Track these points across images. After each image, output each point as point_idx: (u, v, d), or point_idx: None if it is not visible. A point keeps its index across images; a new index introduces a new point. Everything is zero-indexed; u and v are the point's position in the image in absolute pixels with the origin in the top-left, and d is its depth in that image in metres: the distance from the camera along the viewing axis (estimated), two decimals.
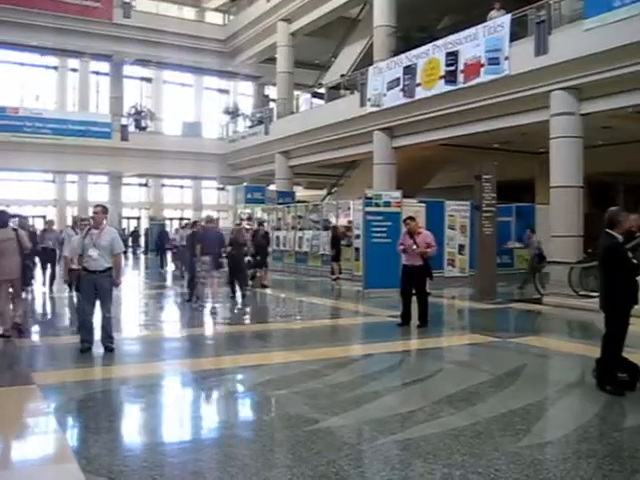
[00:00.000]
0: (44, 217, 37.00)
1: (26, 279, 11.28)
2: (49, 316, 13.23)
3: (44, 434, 5.76)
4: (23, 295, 11.89)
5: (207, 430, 5.91)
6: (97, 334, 8.99)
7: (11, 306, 10.40)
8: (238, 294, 15.63)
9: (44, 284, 16.81)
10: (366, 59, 26.80)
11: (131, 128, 35.57)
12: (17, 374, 7.74)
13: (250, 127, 35.76)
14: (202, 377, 7.73)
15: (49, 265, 16.81)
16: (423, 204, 18.57)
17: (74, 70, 39.13)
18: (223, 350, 9.70)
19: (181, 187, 45.77)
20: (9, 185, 39.62)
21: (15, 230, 10.28)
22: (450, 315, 14.22)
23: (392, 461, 4.86)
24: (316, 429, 5.52)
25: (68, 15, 31.94)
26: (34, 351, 9.55)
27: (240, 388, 7.40)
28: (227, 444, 5.31)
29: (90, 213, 9.64)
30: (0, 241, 9.74)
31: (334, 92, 27.65)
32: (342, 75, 28.69)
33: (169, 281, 21.64)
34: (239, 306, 14.87)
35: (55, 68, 39.71)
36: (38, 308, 13.90)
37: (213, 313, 13.39)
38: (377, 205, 16.37)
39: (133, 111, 37.16)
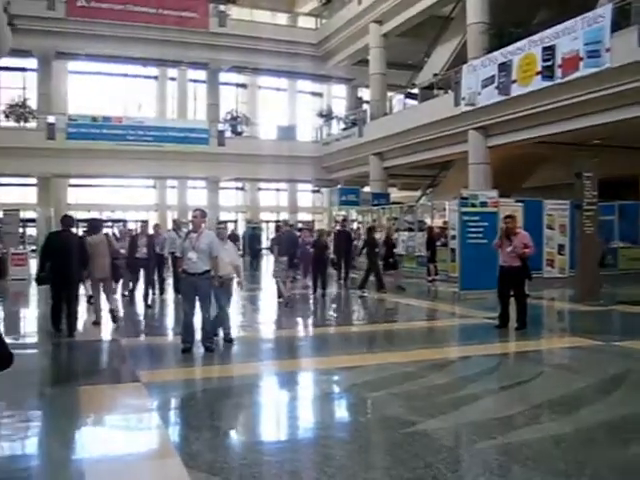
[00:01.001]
0: (146, 222, 38.24)
1: (116, 277, 12.85)
2: (155, 317, 13.69)
3: (148, 430, 6.01)
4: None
5: (304, 430, 5.97)
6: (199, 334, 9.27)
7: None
8: (319, 292, 16.28)
9: (154, 289, 16.29)
10: (459, 57, 26.46)
11: (228, 133, 36.24)
12: (124, 372, 8.11)
13: (344, 129, 35.89)
14: (298, 378, 7.86)
15: (157, 270, 16.46)
16: (520, 203, 18.16)
17: (173, 79, 40.46)
18: (319, 351, 9.79)
19: (277, 190, 46.45)
20: (114, 191, 41.47)
21: (106, 235, 12.24)
22: (550, 317, 13.87)
23: (491, 465, 4.80)
24: (413, 431, 5.51)
25: (168, 26, 32.96)
26: (139, 350, 9.92)
27: (336, 389, 7.45)
28: (323, 444, 5.37)
29: (189, 217, 9.96)
30: (94, 244, 11.37)
31: (427, 92, 27.41)
32: (435, 74, 28.42)
33: (263, 283, 21.96)
34: (335, 307, 14.97)
35: (155, 78, 41.24)
36: (144, 310, 14.35)
37: (305, 315, 13.54)
38: (473, 205, 16.13)
39: (229, 117, 37.91)
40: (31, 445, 5.61)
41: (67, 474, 4.79)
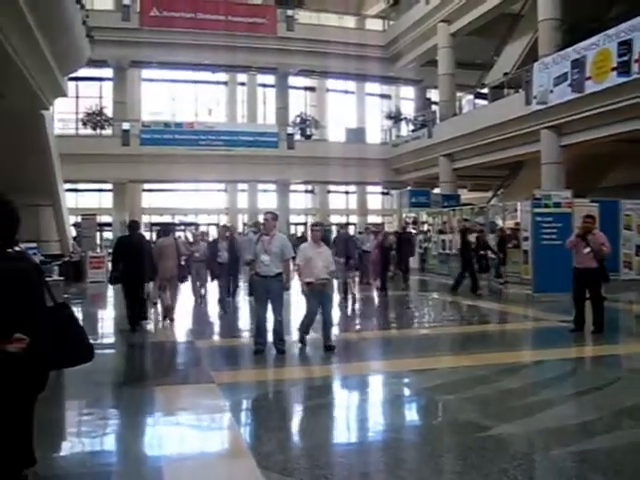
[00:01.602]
0: (226, 225, 38.95)
1: (182, 277, 13.40)
2: (229, 319, 13.91)
3: (222, 430, 6.14)
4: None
5: (375, 432, 5.95)
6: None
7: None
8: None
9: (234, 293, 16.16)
10: (530, 55, 25.98)
11: (297, 137, 36.57)
12: (199, 373, 8.26)
13: (413, 131, 35.71)
14: (369, 380, 7.86)
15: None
16: (596, 204, 17.70)
17: (242, 84, 41.01)
18: (390, 354, 9.77)
19: (346, 193, 46.52)
20: (186, 195, 42.35)
21: (175, 238, 13.46)
22: (628, 321, 13.46)
23: (568, 474, 4.70)
24: (486, 436, 5.45)
25: (237, 33, 33.46)
26: (213, 352, 10.08)
27: (408, 392, 7.43)
28: (395, 447, 5.37)
29: (260, 220, 10.14)
30: (163, 247, 12.45)
31: (498, 91, 27.02)
32: (505, 73, 27.96)
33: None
34: (402, 309, 14.91)
35: (225, 83, 41.91)
36: (220, 312, 14.55)
37: (372, 316, 13.49)
38: (546, 206, 15.82)
39: (298, 120, 38.19)
40: (110, 442, 5.81)
41: (145, 471, 4.93)
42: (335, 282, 14.88)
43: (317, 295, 9.38)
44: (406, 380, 7.79)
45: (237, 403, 6.83)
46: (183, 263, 13.70)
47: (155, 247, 12.78)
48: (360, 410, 6.78)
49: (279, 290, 9.13)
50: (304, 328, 9.68)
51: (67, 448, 5.69)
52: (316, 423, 6.29)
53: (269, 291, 9.06)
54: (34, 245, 9.70)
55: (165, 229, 13.78)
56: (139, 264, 11.25)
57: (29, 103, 15.65)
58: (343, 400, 7.21)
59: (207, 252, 14.99)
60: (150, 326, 12.61)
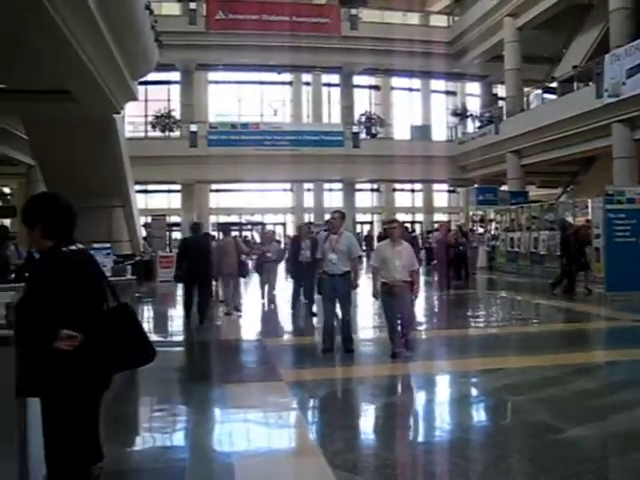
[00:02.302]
0: (307, 224, 39.35)
1: (242, 273, 14.15)
2: (297, 318, 14.03)
3: (292, 428, 6.19)
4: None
5: (443, 433, 5.90)
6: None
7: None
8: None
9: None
10: (601, 47, 25.37)
11: (362, 135, 36.55)
12: (267, 371, 8.36)
13: (479, 127, 35.27)
14: (437, 379, 7.81)
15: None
16: None
17: (307, 84, 41.19)
18: (458, 353, 9.66)
19: (412, 191, 46.24)
20: (252, 195, 42.86)
21: (234, 237, 14.52)
22: None
23: None
24: (559, 438, 5.34)
25: (301, 33, 33.66)
26: (282, 350, 10.19)
27: (476, 392, 7.34)
28: (464, 448, 5.32)
29: (326, 219, 10.13)
30: (223, 245, 13.71)
31: (567, 85, 26.43)
32: (575, 67, 27.33)
33: None
34: (471, 307, 14.75)
35: (290, 83, 42.18)
36: (290, 311, 14.65)
37: (438, 315, 13.37)
38: (619, 202, 15.38)
39: (363, 119, 38.15)
40: (182, 438, 5.93)
41: (216, 467, 5.01)
42: None
43: (392, 298, 8.63)
44: (474, 380, 7.70)
45: (305, 401, 6.89)
46: (243, 259, 14.31)
47: (216, 245, 14.04)
48: (428, 410, 6.75)
49: (347, 289, 9.10)
50: (390, 333, 8.82)
51: (141, 443, 5.85)
52: (384, 422, 6.30)
53: (337, 290, 9.06)
54: (108, 245, 10.00)
55: (224, 229, 15.53)
56: (201, 264, 12.02)
57: (101, 107, 16.03)
58: (411, 399, 7.17)
59: (288, 251, 14.86)
60: (219, 323, 12.86)
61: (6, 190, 37.27)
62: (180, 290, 17.26)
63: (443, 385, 7.78)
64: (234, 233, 20.98)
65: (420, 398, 7.21)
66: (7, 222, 23.27)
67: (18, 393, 3.41)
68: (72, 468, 3.43)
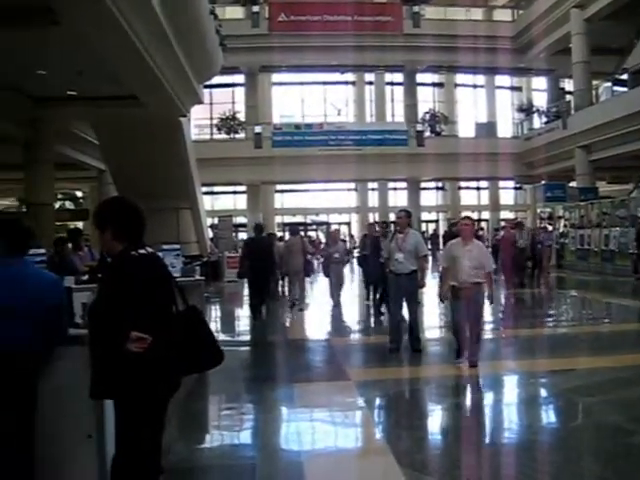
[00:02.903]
0: (386, 222, 39.41)
1: (307, 272, 15.13)
2: (364, 317, 14.05)
3: (360, 427, 6.26)
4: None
5: (512, 434, 5.82)
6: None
7: None
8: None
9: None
10: None
11: (426, 133, 36.30)
12: (335, 370, 8.42)
13: (546, 123, 34.57)
14: (506, 380, 7.71)
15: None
16: None
17: (370, 83, 41.13)
18: (526, 353, 9.54)
19: (477, 189, 45.67)
20: (317, 195, 43.06)
21: (301, 237, 15.46)
22: None
23: None
24: (631, 441, 5.22)
25: (364, 32, 33.62)
26: (349, 350, 10.23)
27: (546, 393, 7.23)
28: (534, 449, 5.26)
29: (392, 218, 10.08)
30: (291, 245, 14.64)
31: (638, 77, 25.66)
32: None
33: None
34: (543, 307, 14.50)
35: (353, 83, 42.22)
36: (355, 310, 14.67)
37: (505, 314, 13.15)
38: None
39: (427, 117, 37.87)
40: (251, 436, 6.04)
41: (286, 465, 5.09)
42: None
43: (462, 302, 7.89)
44: (543, 381, 7.58)
45: (373, 400, 6.92)
46: (309, 258, 15.24)
47: (284, 245, 15.22)
48: (497, 411, 6.68)
49: (414, 288, 9.07)
50: (455, 335, 8.31)
51: (211, 441, 5.97)
52: (452, 423, 6.27)
53: (403, 289, 9.05)
54: (177, 246, 10.23)
55: (292, 230, 16.01)
56: (264, 263, 12.96)
57: (168, 111, 16.38)
58: (479, 400, 7.11)
59: (368, 249, 14.37)
60: (286, 322, 13.01)
61: (78, 194, 38.49)
62: (246, 290, 17.61)
63: (512, 386, 7.67)
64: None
65: (488, 399, 7.14)
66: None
67: (92, 395, 3.50)
68: (140, 470, 3.48)
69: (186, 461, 5.03)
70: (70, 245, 10.26)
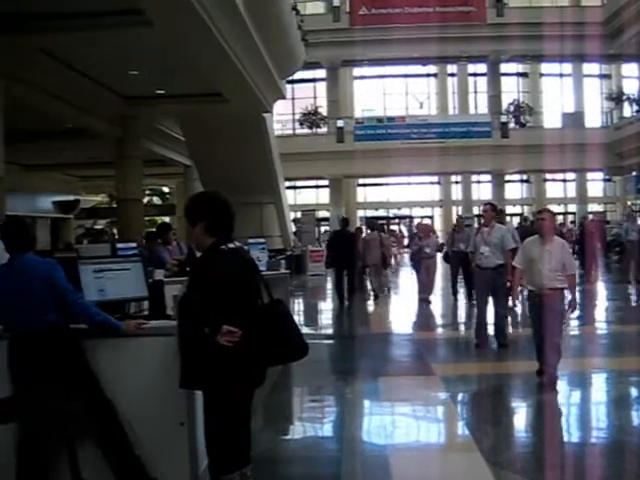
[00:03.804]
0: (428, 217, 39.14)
1: (385, 265, 16.04)
2: (449, 312, 13.98)
3: (446, 422, 6.25)
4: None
5: (601, 433, 5.68)
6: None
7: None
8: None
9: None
10: None
11: (510, 125, 35.59)
12: (419, 365, 8.41)
13: (637, 111, 33.32)
14: (592, 378, 7.53)
15: (461, 268, 13.89)
16: None
17: (452, 75, 40.61)
18: (614, 351, 9.24)
19: (564, 181, 44.44)
20: (399, 188, 42.89)
21: (379, 232, 16.12)
22: None
23: None
24: None
25: (446, 23, 33.20)
26: (433, 344, 10.18)
27: (636, 392, 7.03)
28: (625, 450, 5.09)
29: (476, 212, 9.95)
30: (370, 240, 15.57)
31: None
32: None
33: None
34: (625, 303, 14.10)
35: (435, 75, 41.78)
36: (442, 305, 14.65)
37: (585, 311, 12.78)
38: None
39: (512, 108, 37.11)
40: (336, 429, 6.09)
41: (371, 458, 5.09)
42: None
43: (540, 311, 6.89)
44: (633, 379, 7.37)
45: (459, 395, 6.89)
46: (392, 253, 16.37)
47: (363, 240, 15.86)
48: (584, 409, 6.54)
49: (500, 282, 8.80)
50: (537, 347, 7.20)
51: (296, 432, 6.08)
52: (539, 420, 6.15)
53: (490, 283, 8.90)
54: (263, 240, 10.42)
55: (371, 225, 16.99)
56: (346, 253, 14.45)
57: (252, 107, 16.64)
58: (566, 398, 6.97)
59: (466, 244, 13.77)
60: (370, 314, 13.08)
61: (165, 189, 39.53)
62: (329, 284, 17.89)
63: (600, 384, 7.46)
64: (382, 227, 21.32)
65: (575, 397, 7.01)
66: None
67: (181, 385, 3.60)
68: (229, 461, 3.52)
69: (271, 451, 5.11)
70: (159, 240, 10.55)
